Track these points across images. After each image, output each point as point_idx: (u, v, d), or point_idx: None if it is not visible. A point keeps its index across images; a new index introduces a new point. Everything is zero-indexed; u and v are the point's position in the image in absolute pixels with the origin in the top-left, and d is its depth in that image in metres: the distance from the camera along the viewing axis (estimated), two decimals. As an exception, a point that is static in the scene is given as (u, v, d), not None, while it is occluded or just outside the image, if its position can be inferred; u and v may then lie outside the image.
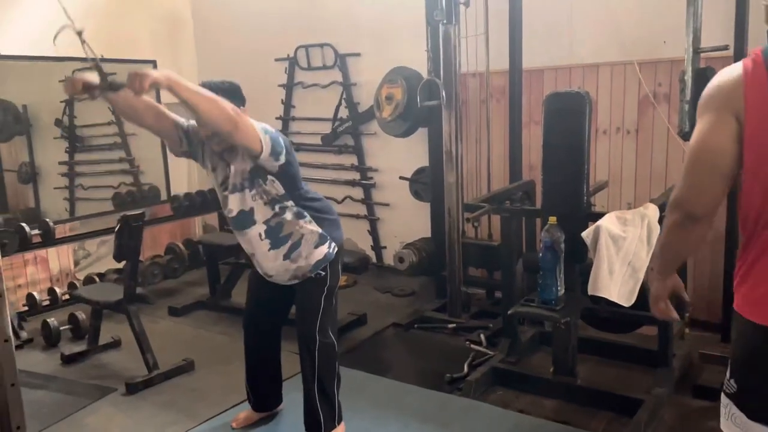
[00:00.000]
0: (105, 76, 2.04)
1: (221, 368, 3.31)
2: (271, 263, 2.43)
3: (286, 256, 2.40)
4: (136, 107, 2.31)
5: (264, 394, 2.74)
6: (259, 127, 2.22)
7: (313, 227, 2.41)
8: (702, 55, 2.84)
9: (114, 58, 4.75)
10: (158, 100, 5.07)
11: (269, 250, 2.39)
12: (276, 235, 2.38)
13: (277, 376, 2.74)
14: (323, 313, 2.46)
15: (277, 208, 2.35)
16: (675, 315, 1.66)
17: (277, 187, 2.33)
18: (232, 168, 2.31)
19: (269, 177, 2.31)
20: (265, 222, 2.36)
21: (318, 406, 2.48)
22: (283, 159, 2.28)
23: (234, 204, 2.35)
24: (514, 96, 3.87)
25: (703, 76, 2.78)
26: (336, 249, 2.47)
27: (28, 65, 4.40)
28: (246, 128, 2.17)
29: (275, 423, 2.74)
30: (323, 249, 2.43)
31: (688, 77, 2.82)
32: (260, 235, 2.38)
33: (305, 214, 2.40)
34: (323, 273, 2.45)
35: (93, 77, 2.08)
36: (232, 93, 2.28)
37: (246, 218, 2.36)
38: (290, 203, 2.37)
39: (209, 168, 2.43)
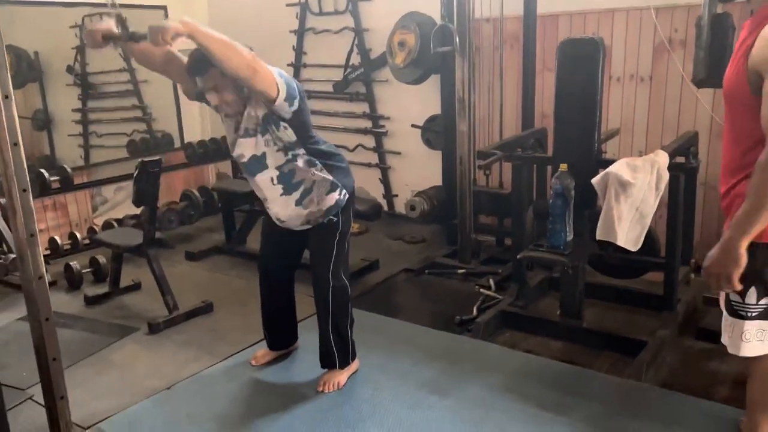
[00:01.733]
0: (127, 28, 2.07)
1: (238, 309, 3.43)
2: (283, 209, 2.48)
3: (298, 202, 2.45)
4: (154, 55, 2.37)
5: (280, 334, 2.85)
6: (275, 72, 2.24)
7: (325, 175, 2.45)
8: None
9: (125, 3, 4.74)
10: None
11: (281, 195, 2.44)
12: (288, 180, 2.42)
13: (292, 316, 2.85)
14: (336, 258, 2.54)
15: (289, 155, 2.39)
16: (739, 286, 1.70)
17: (289, 134, 2.35)
18: (245, 113, 2.34)
19: (282, 123, 2.33)
20: (278, 168, 2.40)
21: (332, 344, 2.60)
22: (296, 105, 2.31)
23: (246, 149, 2.38)
24: (528, 42, 3.83)
25: (719, 22, 2.75)
26: (347, 196, 2.53)
27: (39, 11, 4.39)
28: (264, 73, 2.19)
29: (291, 360, 2.87)
30: (334, 196, 2.48)
31: (705, 23, 2.79)
32: (272, 179, 2.42)
33: (316, 162, 2.44)
34: (335, 219, 2.51)
35: (111, 26, 2.13)
36: None
37: (258, 163, 2.40)
38: (302, 151, 2.40)
39: (222, 113, 2.46)
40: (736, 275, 1.65)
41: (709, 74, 2.82)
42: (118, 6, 2.08)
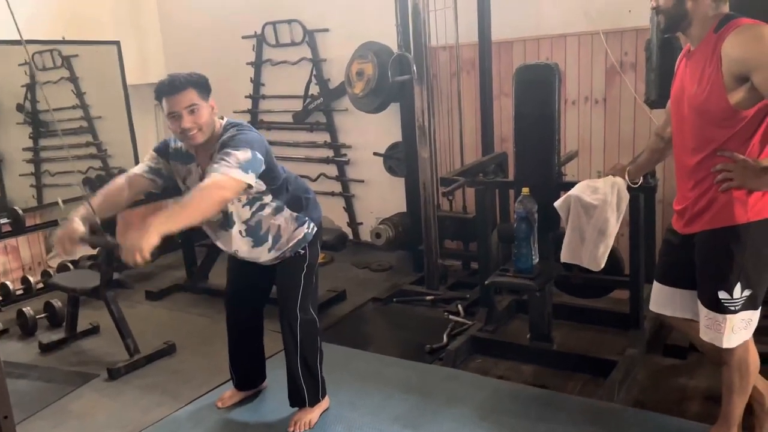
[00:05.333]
0: (103, 234, 2.20)
1: (203, 349, 3.33)
2: (258, 256, 2.46)
3: (271, 249, 2.44)
4: (120, 203, 2.44)
5: (247, 373, 2.77)
6: (241, 170, 2.10)
7: (290, 212, 2.43)
8: (666, 23, 2.89)
9: (76, 40, 4.65)
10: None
11: (253, 247, 2.42)
12: (257, 233, 2.40)
13: (260, 354, 2.77)
14: (303, 291, 2.49)
15: (255, 206, 2.36)
16: None
17: (258, 185, 2.28)
18: None
19: None
20: (245, 222, 2.38)
21: (302, 381, 2.53)
22: (264, 167, 2.22)
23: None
24: (484, 68, 3.89)
25: (668, 45, 2.83)
26: (315, 229, 2.50)
27: (-15, 50, 4.26)
28: (234, 190, 2.12)
29: (260, 400, 2.78)
30: (302, 230, 2.46)
31: (654, 46, 2.87)
32: (240, 233, 2.39)
33: (283, 206, 2.41)
34: (302, 251, 2.48)
35: (79, 229, 2.17)
36: (205, 86, 2.25)
37: (225, 221, 2.37)
38: (269, 197, 2.37)
39: (185, 185, 2.43)
40: None
41: (660, 95, 2.90)
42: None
